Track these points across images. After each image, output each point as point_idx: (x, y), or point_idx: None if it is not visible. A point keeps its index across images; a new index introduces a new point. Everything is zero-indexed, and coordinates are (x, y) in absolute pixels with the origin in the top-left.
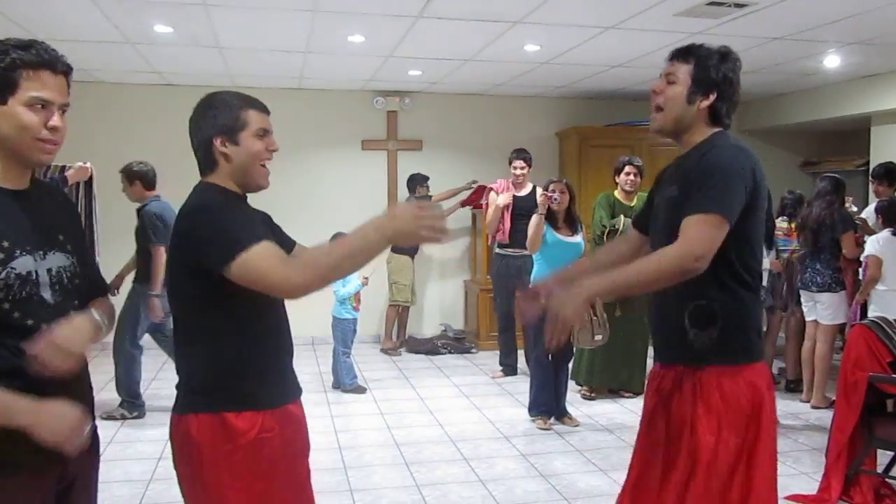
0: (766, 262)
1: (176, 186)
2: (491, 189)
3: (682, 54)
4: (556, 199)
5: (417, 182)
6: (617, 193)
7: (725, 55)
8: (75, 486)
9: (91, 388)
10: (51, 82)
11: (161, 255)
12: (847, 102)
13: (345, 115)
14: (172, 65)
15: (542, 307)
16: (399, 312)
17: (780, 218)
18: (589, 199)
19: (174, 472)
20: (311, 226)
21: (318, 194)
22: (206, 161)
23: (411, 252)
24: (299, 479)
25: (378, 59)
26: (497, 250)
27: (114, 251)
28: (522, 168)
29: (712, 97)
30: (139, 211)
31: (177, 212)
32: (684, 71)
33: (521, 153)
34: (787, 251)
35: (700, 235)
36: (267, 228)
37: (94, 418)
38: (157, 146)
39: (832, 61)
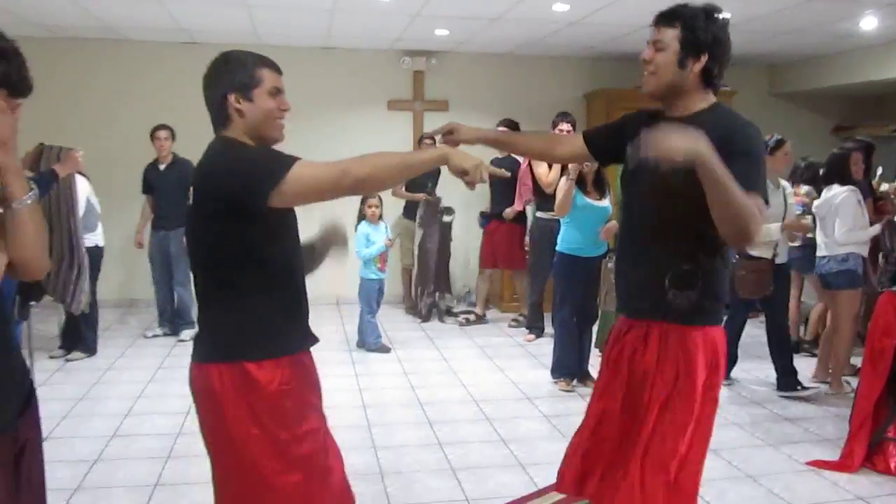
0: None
1: (198, 144)
2: None
3: (666, 18)
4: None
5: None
6: None
7: (711, 14)
8: (26, 450)
9: (27, 371)
10: None
11: None
12: (883, 66)
13: (371, 75)
14: (200, 23)
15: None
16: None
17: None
18: None
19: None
20: None
21: (343, 155)
22: (220, 117)
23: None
24: (314, 427)
25: (405, 18)
26: (539, 214)
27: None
28: (569, 130)
29: (704, 59)
30: (171, 165)
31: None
32: (671, 36)
33: (566, 115)
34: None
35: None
36: None
37: (34, 393)
38: (185, 105)
39: (869, 23)
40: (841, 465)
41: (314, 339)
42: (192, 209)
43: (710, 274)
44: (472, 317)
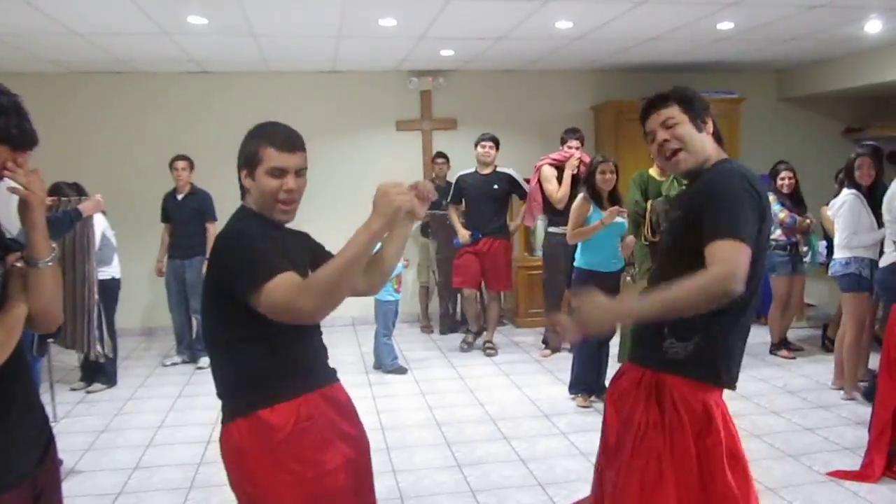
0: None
1: (211, 173)
2: (543, 165)
3: (658, 102)
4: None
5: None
6: (652, 171)
7: (685, 88)
8: (43, 496)
9: (46, 418)
10: None
11: (217, 228)
12: (890, 67)
13: (379, 96)
14: (209, 53)
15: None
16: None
17: None
18: (627, 174)
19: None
20: (347, 209)
21: (354, 177)
22: (240, 186)
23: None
24: (343, 461)
25: (410, 41)
26: (550, 229)
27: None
28: (578, 147)
29: (709, 119)
30: (190, 194)
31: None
32: (675, 110)
33: (574, 132)
34: None
35: (734, 257)
36: (299, 253)
37: (53, 438)
38: (197, 134)
39: (874, 26)
40: (861, 475)
41: (332, 376)
42: (207, 269)
43: (712, 330)
44: (468, 339)
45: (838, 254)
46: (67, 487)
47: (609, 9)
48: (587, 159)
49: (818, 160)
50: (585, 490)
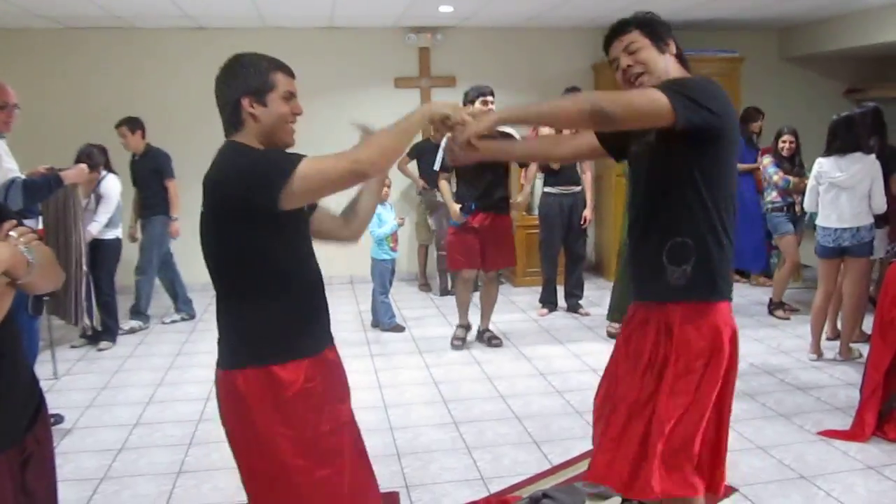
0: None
1: (208, 130)
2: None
3: (619, 30)
4: None
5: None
6: None
7: (647, 13)
8: (31, 461)
9: (36, 382)
10: None
11: (176, 186)
12: (893, 27)
13: (376, 53)
14: (205, 9)
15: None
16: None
17: None
18: None
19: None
20: None
21: (351, 135)
22: (233, 120)
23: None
24: (340, 423)
25: None
26: (545, 188)
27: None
28: None
29: (672, 42)
30: (144, 155)
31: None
32: (637, 35)
33: (576, 90)
34: None
35: (639, 98)
36: None
37: (43, 403)
38: (194, 90)
39: None
40: (852, 435)
41: (331, 338)
42: (204, 217)
43: (705, 248)
44: (460, 334)
45: (866, 220)
46: (69, 443)
47: None
48: None
49: (819, 121)
50: (580, 447)
